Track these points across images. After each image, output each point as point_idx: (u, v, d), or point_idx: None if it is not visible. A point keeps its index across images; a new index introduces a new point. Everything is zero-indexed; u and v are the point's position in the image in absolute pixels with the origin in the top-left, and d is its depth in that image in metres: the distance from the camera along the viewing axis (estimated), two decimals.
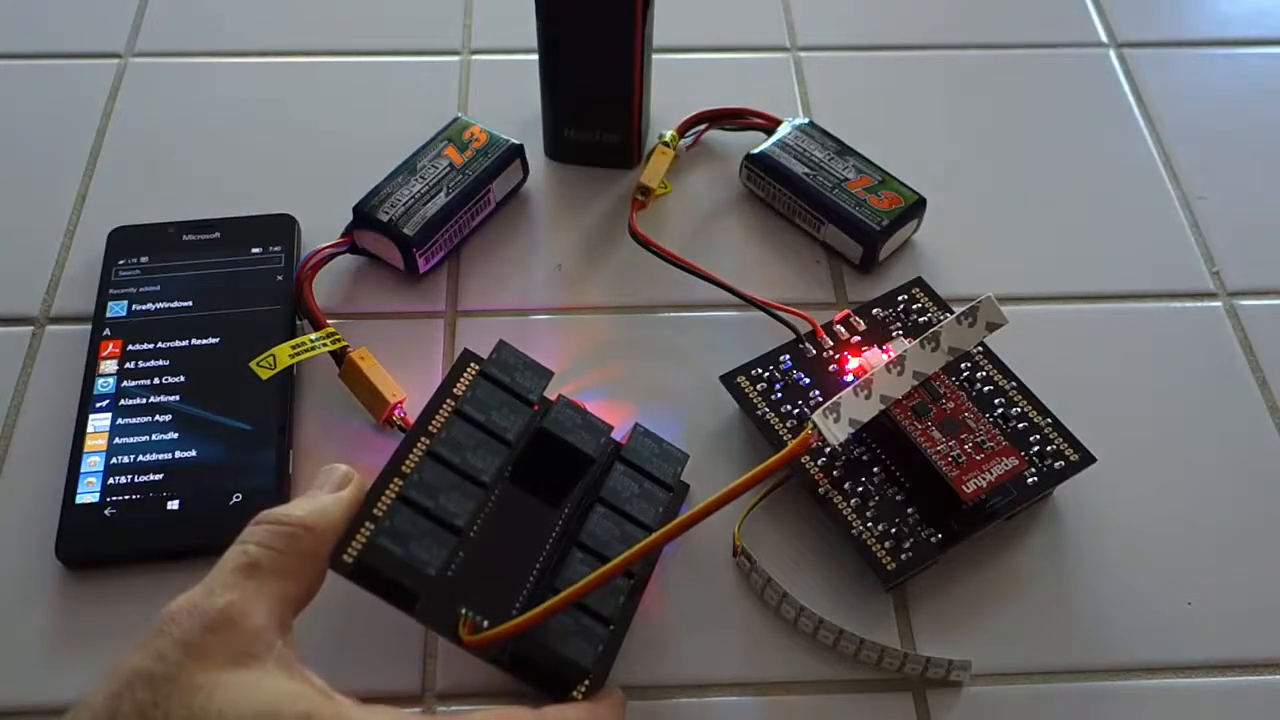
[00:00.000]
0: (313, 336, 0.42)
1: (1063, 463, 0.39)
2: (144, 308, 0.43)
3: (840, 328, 0.42)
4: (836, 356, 0.41)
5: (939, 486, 0.37)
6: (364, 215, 0.44)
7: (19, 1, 0.56)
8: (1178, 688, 0.36)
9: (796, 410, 0.40)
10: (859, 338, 0.42)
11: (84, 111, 0.51)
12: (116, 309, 0.43)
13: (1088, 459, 0.39)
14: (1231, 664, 0.37)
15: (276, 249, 0.45)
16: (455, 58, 0.54)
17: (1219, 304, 0.46)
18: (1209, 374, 0.44)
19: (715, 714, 0.36)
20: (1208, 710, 0.36)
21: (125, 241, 0.45)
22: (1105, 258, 0.47)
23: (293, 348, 0.41)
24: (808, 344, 0.42)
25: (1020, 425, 0.40)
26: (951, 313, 0.43)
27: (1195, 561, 0.39)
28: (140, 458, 0.39)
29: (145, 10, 0.56)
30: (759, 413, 0.40)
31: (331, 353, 0.42)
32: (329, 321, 0.43)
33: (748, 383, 0.41)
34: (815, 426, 0.35)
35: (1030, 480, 0.38)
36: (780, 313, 0.43)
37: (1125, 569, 0.39)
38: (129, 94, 0.52)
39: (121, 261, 0.45)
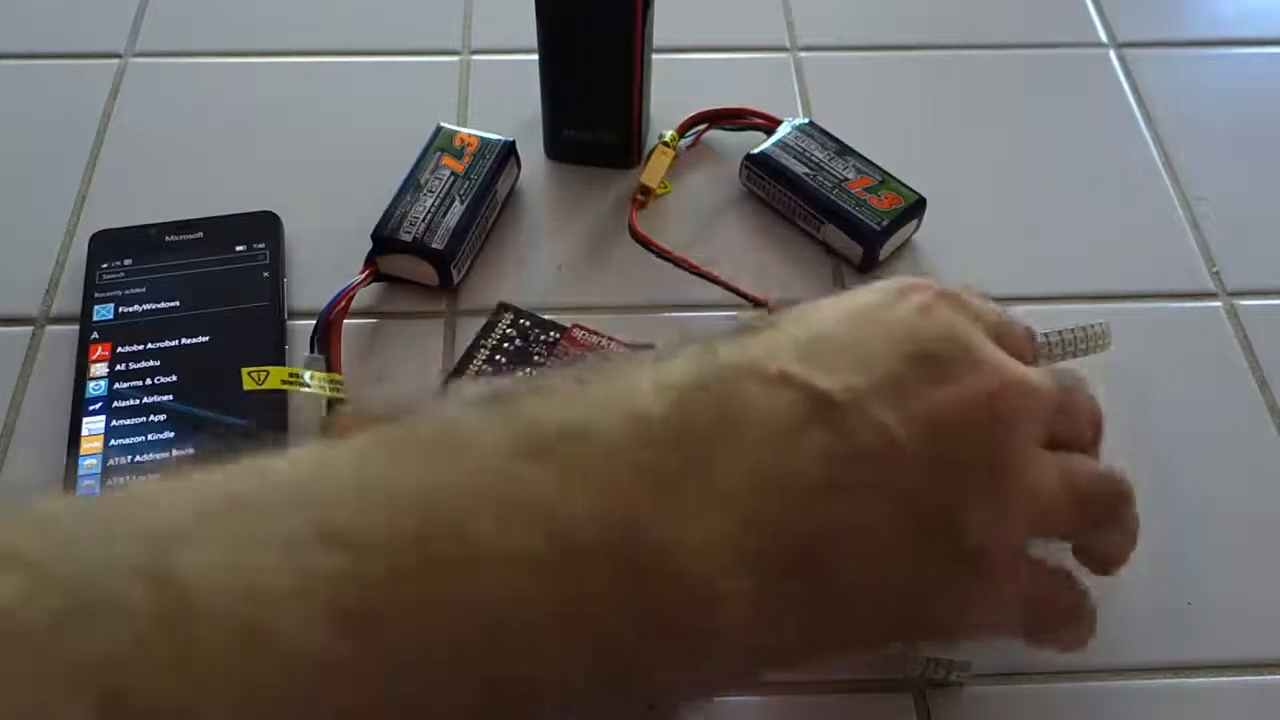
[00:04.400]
0: (319, 376, 0.41)
1: None
2: (130, 310, 0.43)
3: None
4: None
5: None
6: (385, 240, 0.44)
7: (19, 1, 0.56)
8: (1178, 688, 0.36)
9: None
10: None
11: (84, 111, 0.51)
12: (103, 312, 0.43)
13: None
14: (1231, 664, 0.37)
15: (260, 246, 0.45)
16: (455, 58, 0.54)
17: (1219, 304, 0.46)
18: (1209, 374, 0.44)
19: (715, 713, 0.36)
20: (1208, 710, 0.36)
21: (107, 245, 0.45)
22: (1105, 258, 0.47)
23: (290, 374, 0.41)
24: None
25: None
26: None
27: (1195, 561, 0.39)
28: (138, 458, 0.39)
29: (145, 10, 0.56)
30: None
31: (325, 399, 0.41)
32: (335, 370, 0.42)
33: None
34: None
35: None
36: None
37: (1125, 569, 0.39)
38: (129, 94, 0.52)
39: (105, 265, 0.45)
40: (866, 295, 0.30)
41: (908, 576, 0.27)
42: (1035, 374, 0.29)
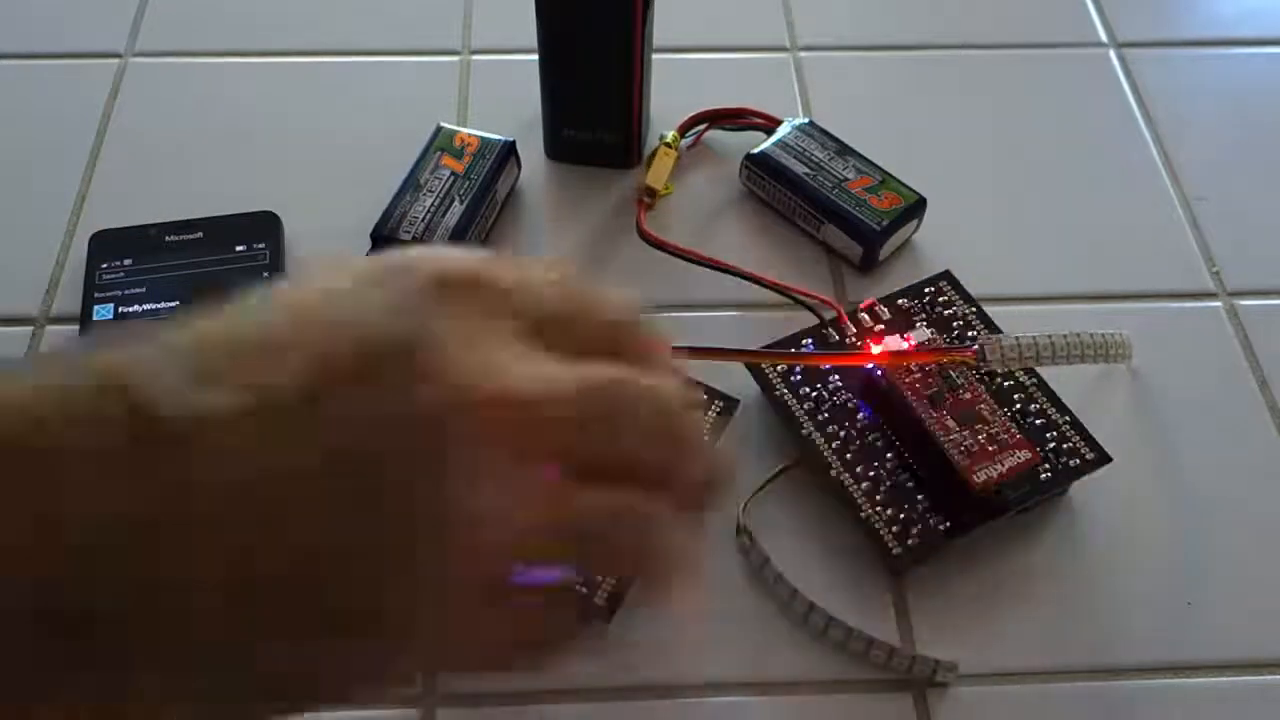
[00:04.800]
0: None
1: (1078, 460, 0.39)
2: (130, 310, 0.43)
3: (865, 315, 0.42)
4: (859, 343, 0.41)
5: (951, 476, 0.37)
6: (385, 239, 0.44)
7: (19, 1, 0.56)
8: (1178, 688, 0.36)
9: (814, 393, 0.40)
10: (882, 326, 0.42)
11: (84, 111, 0.51)
12: (103, 312, 0.43)
13: (1103, 458, 0.39)
14: (1231, 664, 0.37)
15: (261, 246, 0.45)
16: (455, 58, 0.54)
17: (1219, 304, 0.46)
18: (1209, 374, 0.44)
19: (716, 713, 0.36)
20: (1208, 710, 0.36)
21: (107, 245, 0.45)
22: (1105, 258, 0.47)
23: None
24: (830, 329, 0.42)
25: (1038, 421, 0.39)
26: (977, 307, 0.43)
27: (1195, 561, 0.39)
28: None
29: (145, 10, 0.56)
30: (776, 393, 0.40)
31: None
32: None
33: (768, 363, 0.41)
34: (983, 347, 0.37)
35: (1043, 476, 0.38)
36: (804, 298, 0.43)
37: (1125, 569, 0.39)
38: (129, 94, 0.52)
39: (105, 265, 0.45)
40: (307, 290, 0.26)
41: (314, 619, 0.23)
42: (524, 384, 0.24)
